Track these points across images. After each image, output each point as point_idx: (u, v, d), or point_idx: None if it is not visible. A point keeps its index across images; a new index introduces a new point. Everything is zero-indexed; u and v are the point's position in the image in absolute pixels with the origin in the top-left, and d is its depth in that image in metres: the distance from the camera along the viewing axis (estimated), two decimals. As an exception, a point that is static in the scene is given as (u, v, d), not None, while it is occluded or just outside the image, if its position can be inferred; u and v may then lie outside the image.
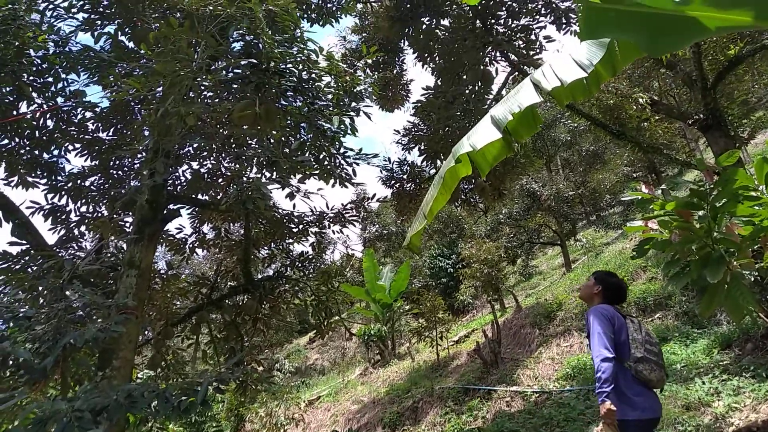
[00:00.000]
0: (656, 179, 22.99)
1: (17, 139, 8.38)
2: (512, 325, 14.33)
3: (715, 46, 10.31)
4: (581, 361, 9.89)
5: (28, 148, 8.51)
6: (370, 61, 7.31)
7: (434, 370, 14.58)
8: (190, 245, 10.29)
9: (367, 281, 17.38)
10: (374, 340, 19.60)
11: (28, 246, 7.95)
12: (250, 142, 8.38)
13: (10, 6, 6.27)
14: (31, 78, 7.71)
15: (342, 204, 10.34)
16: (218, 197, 9.42)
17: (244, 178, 7.17)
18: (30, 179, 8.85)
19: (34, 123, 8.29)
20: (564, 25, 10.52)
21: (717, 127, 9.11)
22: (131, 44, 8.42)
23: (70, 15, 7.82)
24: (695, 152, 22.20)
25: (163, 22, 5.60)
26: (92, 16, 7.94)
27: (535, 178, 21.75)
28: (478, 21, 11.06)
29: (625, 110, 11.43)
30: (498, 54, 11.48)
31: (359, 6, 13.93)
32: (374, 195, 10.49)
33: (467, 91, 11.11)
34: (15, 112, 7.94)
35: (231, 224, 11.10)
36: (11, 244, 7.84)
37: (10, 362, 4.74)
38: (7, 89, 7.50)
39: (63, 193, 9.05)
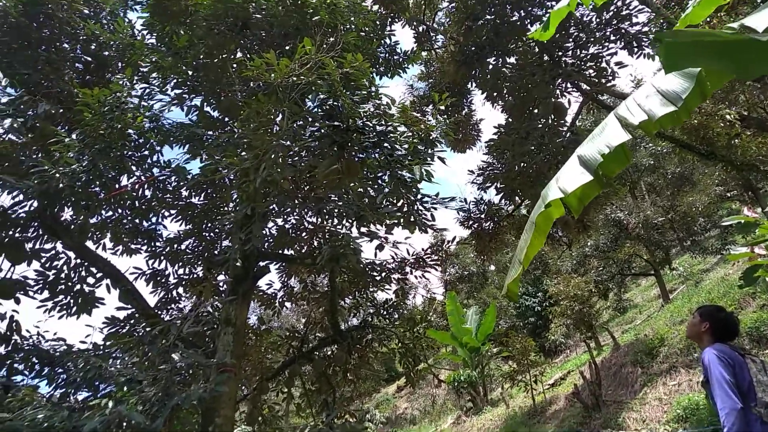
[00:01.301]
0: (754, 197, 21.36)
1: (120, 210, 9.10)
2: (611, 365, 13.52)
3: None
4: (693, 401, 9.12)
5: (129, 218, 9.22)
6: (442, 107, 7.42)
7: (531, 416, 13.93)
8: (280, 299, 10.62)
9: (452, 325, 17.10)
10: (465, 387, 19.05)
11: (134, 310, 8.53)
12: (331, 195, 8.67)
13: (114, 95, 6.92)
14: (130, 153, 8.39)
15: (422, 249, 10.36)
16: (303, 251, 9.73)
17: (334, 233, 7.38)
18: (132, 247, 9.57)
19: (134, 194, 8.97)
20: (636, 50, 10.25)
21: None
22: (216, 113, 9.06)
23: (163, 92, 8.53)
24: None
25: (250, 96, 6.00)
26: (181, 91, 8.62)
27: (620, 207, 20.86)
28: (545, 55, 11.01)
29: (712, 128, 10.81)
30: (569, 85, 11.32)
31: (424, 54, 14.28)
32: (454, 238, 10.42)
33: (540, 126, 10.97)
34: (117, 186, 8.63)
35: (316, 276, 11.37)
36: (118, 309, 8.45)
37: (124, 425, 5.02)
38: (110, 166, 8.21)
39: (162, 257, 9.69)
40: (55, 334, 8.05)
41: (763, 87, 10.83)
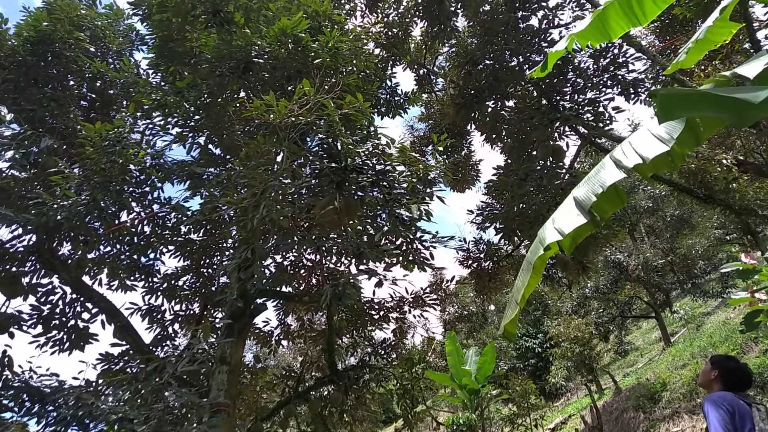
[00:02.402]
0: (753, 241, 21.34)
1: (118, 246, 9.08)
2: (613, 409, 13.27)
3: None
4: (697, 449, 8.92)
5: (127, 254, 9.20)
6: (440, 147, 7.52)
7: (531, 461, 13.58)
8: (276, 337, 10.51)
9: (451, 366, 16.80)
10: (464, 430, 18.59)
11: (128, 346, 8.43)
12: (330, 232, 8.68)
13: (116, 130, 7.03)
14: (131, 189, 8.45)
15: (421, 288, 10.31)
16: (302, 288, 9.68)
17: (334, 272, 7.37)
18: (129, 282, 9.52)
19: (134, 230, 8.98)
20: (633, 96, 10.43)
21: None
22: (218, 151, 9.17)
23: (166, 131, 8.64)
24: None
25: (250, 135, 6.10)
26: (183, 129, 8.74)
27: (620, 248, 20.83)
28: (543, 99, 11.21)
29: (710, 173, 10.90)
30: (567, 128, 11.48)
31: (424, 96, 14.54)
32: (453, 277, 10.41)
33: (539, 167, 11.07)
34: (117, 221, 8.65)
35: (314, 314, 11.28)
36: (113, 345, 8.35)
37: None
38: (110, 201, 8.25)
39: (158, 293, 9.64)
40: (47, 369, 7.96)
41: (759, 133, 10.98)
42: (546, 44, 11.01)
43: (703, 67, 10.14)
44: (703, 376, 3.52)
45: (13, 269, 7.95)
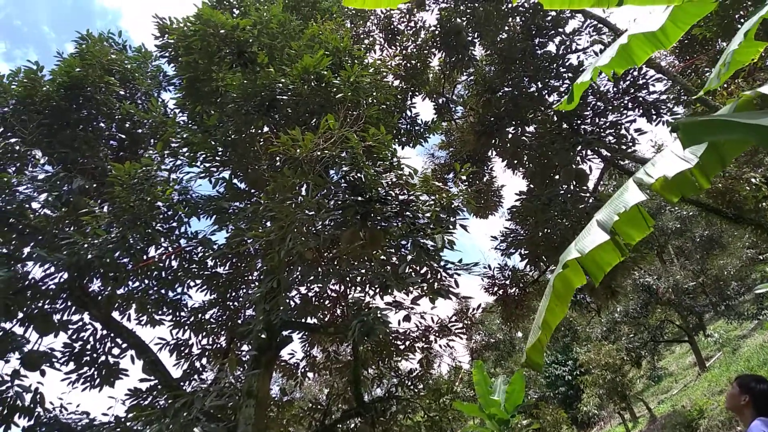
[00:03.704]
0: (788, 259, 20.76)
1: (146, 281, 9.22)
2: (649, 439, 12.82)
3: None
4: (741, 480, 8.55)
5: (155, 288, 9.33)
6: (463, 177, 7.55)
7: (566, 494, 13.14)
8: (302, 369, 10.46)
9: (480, 396, 16.45)
10: (494, 461, 18.15)
11: (157, 382, 8.49)
12: (354, 263, 8.70)
13: (144, 168, 7.22)
14: (158, 225, 8.61)
15: (447, 316, 10.22)
16: (327, 320, 9.67)
17: (359, 303, 7.38)
18: (157, 317, 9.62)
19: (161, 265, 9.12)
20: (654, 117, 10.37)
21: None
22: (243, 185, 9.33)
23: (193, 165, 8.83)
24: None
25: (276, 169, 6.21)
26: (210, 165, 8.92)
27: (648, 271, 20.40)
28: (564, 123, 11.20)
29: (738, 192, 10.70)
30: (589, 152, 11.42)
31: (444, 124, 14.64)
32: (479, 305, 10.29)
33: (562, 192, 10.99)
34: (145, 257, 8.80)
35: (339, 345, 11.23)
36: (142, 380, 8.42)
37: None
38: (139, 238, 8.42)
39: (186, 327, 9.71)
40: (78, 406, 8.06)
41: (787, 150, 10.78)
42: (564, 69, 11.05)
43: (726, 85, 10.05)
44: (731, 399, 3.36)
45: (46, 307, 8.14)
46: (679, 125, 1.75)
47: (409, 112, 11.17)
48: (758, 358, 13.28)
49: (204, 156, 8.52)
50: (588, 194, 11.21)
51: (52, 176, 7.78)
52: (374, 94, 7.70)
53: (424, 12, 12.75)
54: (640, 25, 3.06)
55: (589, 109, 10.95)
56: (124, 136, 9.57)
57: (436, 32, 12.36)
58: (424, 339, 10.22)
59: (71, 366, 8.33)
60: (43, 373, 7.78)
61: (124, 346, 8.72)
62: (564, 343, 23.75)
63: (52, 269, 7.60)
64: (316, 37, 7.85)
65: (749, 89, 2.29)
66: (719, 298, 23.19)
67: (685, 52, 12.43)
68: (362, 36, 12.32)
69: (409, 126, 11.14)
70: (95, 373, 8.51)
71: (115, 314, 9.00)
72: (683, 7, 2.88)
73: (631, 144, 10.74)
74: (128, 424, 7.47)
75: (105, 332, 8.69)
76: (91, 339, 8.59)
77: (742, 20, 9.10)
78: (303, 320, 9.75)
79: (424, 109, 35.84)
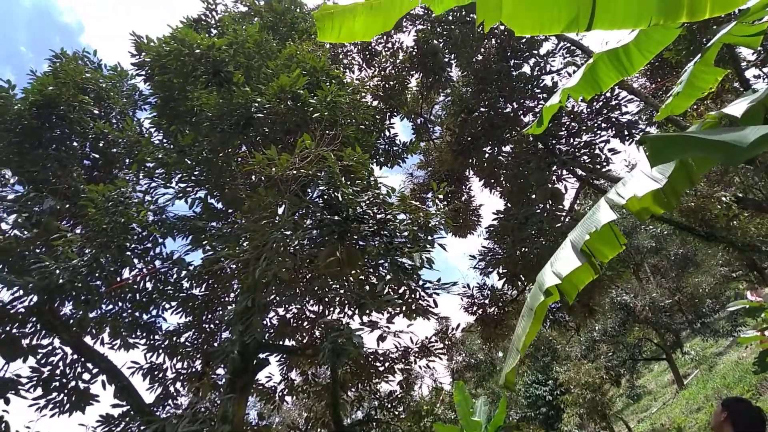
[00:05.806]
0: (759, 276, 21.16)
1: (120, 304, 9.02)
2: (629, 457, 12.80)
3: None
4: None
5: (129, 311, 9.11)
6: (441, 196, 7.57)
7: None
8: (280, 393, 10.27)
9: (461, 417, 16.33)
10: (475, 484, 17.92)
11: (129, 407, 8.23)
12: (331, 283, 8.62)
13: (119, 190, 7.10)
14: (133, 246, 8.44)
15: (426, 337, 10.14)
16: (305, 341, 9.53)
17: (334, 325, 7.28)
18: (131, 341, 9.38)
19: (135, 287, 8.93)
20: (627, 138, 10.57)
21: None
22: (219, 205, 9.23)
23: (168, 186, 8.71)
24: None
25: (252, 189, 6.15)
26: (186, 185, 8.82)
27: (625, 289, 20.61)
28: (539, 143, 11.35)
29: (710, 210, 10.92)
30: (564, 171, 11.57)
31: (422, 144, 14.74)
32: (458, 325, 10.25)
33: (539, 211, 11.09)
34: (119, 279, 8.61)
35: (318, 368, 11.06)
36: (114, 406, 8.16)
37: None
38: (112, 260, 8.23)
39: (160, 351, 9.48)
40: (45, 434, 7.76)
41: (756, 169, 11.06)
42: (539, 90, 11.26)
43: (695, 106, 10.31)
44: (714, 418, 3.46)
45: (13, 331, 7.87)
46: (645, 140, 1.78)
47: (387, 132, 11.22)
48: (733, 375, 13.44)
49: (180, 176, 8.43)
50: (564, 213, 11.34)
51: (22, 196, 7.61)
52: (352, 113, 7.72)
53: (401, 34, 12.90)
54: (607, 49, 3.13)
55: (563, 129, 11.13)
56: (98, 156, 9.42)
57: (414, 53, 12.50)
58: (403, 360, 10.12)
59: (39, 392, 8.03)
60: (7, 402, 7.50)
61: (95, 371, 8.46)
62: (544, 363, 23.77)
63: (21, 292, 7.38)
64: (294, 56, 7.87)
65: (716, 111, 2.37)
66: (695, 316, 23.48)
67: (656, 74, 12.75)
68: (340, 56, 12.40)
69: (387, 146, 11.19)
70: (65, 398, 8.22)
71: (87, 338, 8.76)
72: (648, 32, 2.95)
73: (605, 164, 10.92)
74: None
75: (75, 357, 8.43)
76: (60, 364, 8.32)
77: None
78: (280, 342, 9.59)
79: (402, 129, 36.07)
